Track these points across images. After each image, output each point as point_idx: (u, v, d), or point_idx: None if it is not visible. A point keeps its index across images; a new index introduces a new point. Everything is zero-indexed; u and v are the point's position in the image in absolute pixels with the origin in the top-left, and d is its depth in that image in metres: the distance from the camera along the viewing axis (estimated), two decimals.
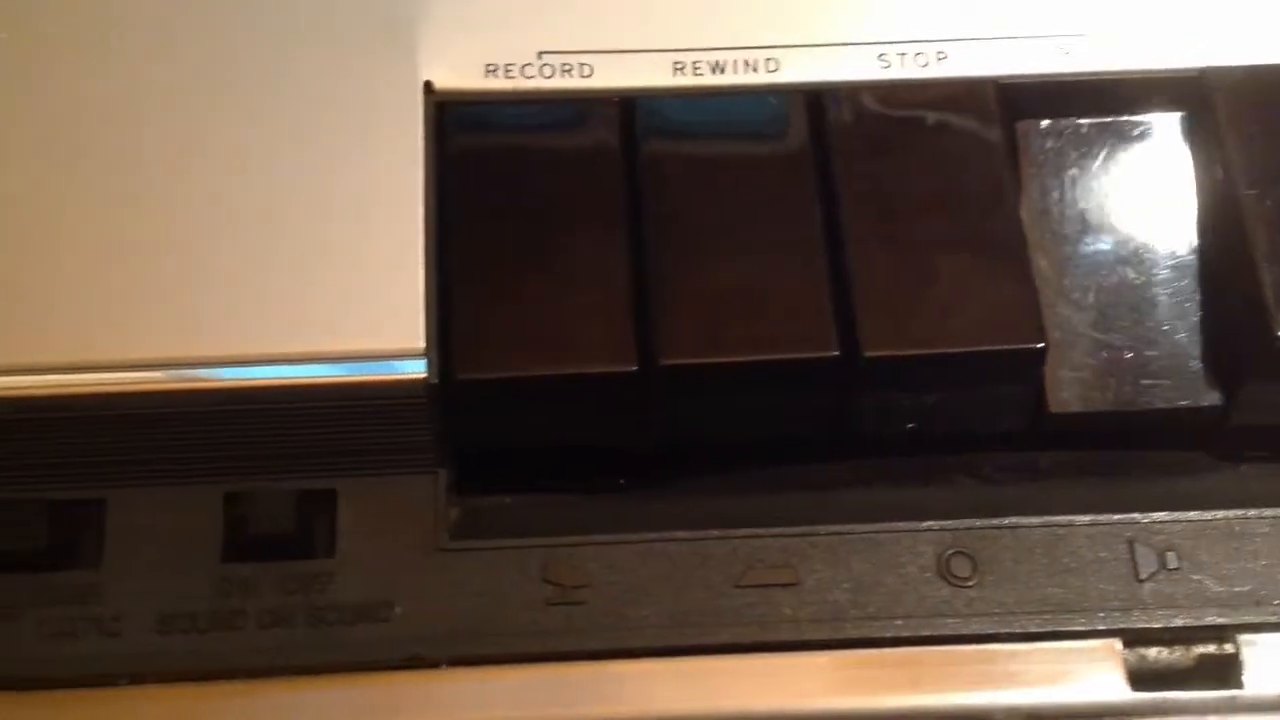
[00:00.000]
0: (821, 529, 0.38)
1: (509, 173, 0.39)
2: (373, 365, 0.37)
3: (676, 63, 0.41)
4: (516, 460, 0.39)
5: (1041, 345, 0.37)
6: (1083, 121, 0.41)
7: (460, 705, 0.36)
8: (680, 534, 0.38)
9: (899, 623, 0.37)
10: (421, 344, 0.37)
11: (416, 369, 0.37)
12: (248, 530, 0.37)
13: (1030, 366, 0.38)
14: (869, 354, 0.37)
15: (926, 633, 0.37)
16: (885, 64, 0.41)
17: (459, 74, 0.41)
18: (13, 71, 0.40)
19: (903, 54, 0.41)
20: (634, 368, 0.37)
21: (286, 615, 0.37)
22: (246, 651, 0.36)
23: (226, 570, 0.37)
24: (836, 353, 0.37)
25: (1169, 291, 0.40)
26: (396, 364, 0.37)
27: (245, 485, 0.38)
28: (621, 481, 0.40)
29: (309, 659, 0.36)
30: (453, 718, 0.36)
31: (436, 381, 0.37)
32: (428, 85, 0.40)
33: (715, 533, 0.38)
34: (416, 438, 0.38)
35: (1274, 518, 0.38)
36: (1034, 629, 0.37)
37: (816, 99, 0.40)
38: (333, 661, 0.36)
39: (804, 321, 0.37)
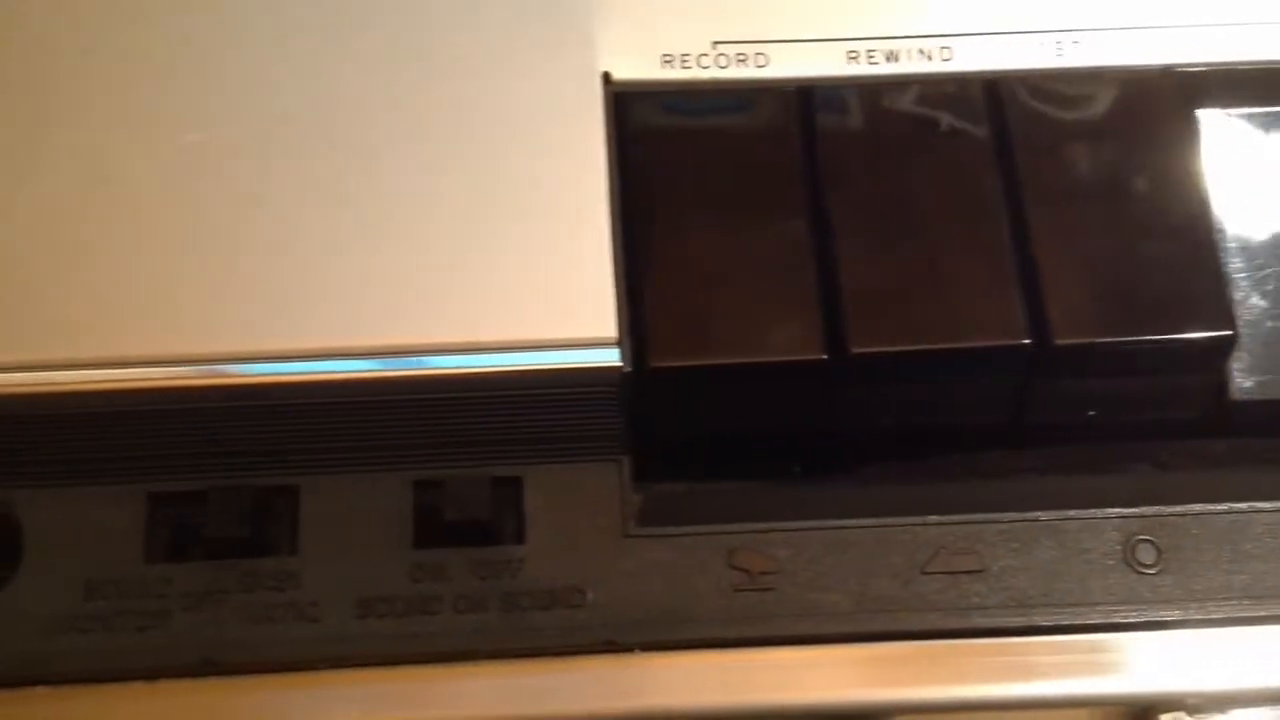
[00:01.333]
0: (1006, 516, 0.38)
1: (688, 162, 0.40)
2: (565, 354, 0.37)
3: (850, 52, 0.41)
4: (691, 447, 0.40)
5: (1230, 333, 0.37)
6: (1263, 110, 0.41)
7: (655, 690, 0.37)
8: (865, 521, 0.38)
9: (1085, 610, 0.38)
10: (614, 332, 0.37)
11: (610, 357, 0.37)
12: (443, 517, 0.37)
13: (1218, 355, 0.38)
14: (1060, 342, 0.37)
15: (1114, 620, 0.37)
16: (1060, 52, 0.41)
17: (636, 65, 0.41)
18: (184, 57, 0.40)
19: (1077, 42, 0.41)
20: (824, 356, 0.37)
21: (481, 600, 0.37)
22: (444, 636, 0.37)
23: (419, 556, 0.38)
24: (1028, 341, 0.37)
25: None
26: (589, 352, 0.37)
27: (434, 472, 0.38)
28: (796, 469, 0.41)
29: (504, 643, 0.37)
30: (648, 703, 0.36)
31: (630, 369, 0.37)
32: (606, 76, 0.41)
33: (901, 519, 0.38)
34: (603, 425, 0.38)
35: None
36: (1219, 615, 0.38)
37: (993, 87, 0.41)
38: (528, 646, 0.37)
39: (993, 310, 0.37)
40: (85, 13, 0.40)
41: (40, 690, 0.36)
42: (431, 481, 0.38)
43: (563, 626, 0.37)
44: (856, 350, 0.37)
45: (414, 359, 0.37)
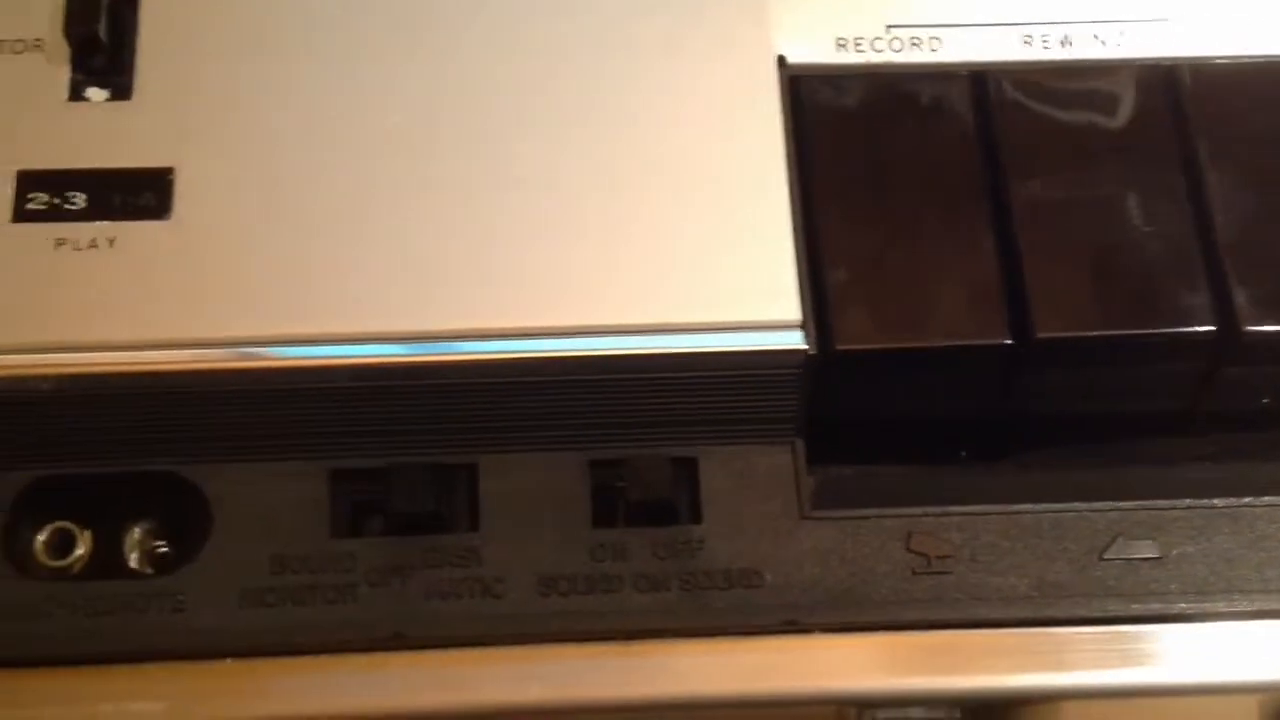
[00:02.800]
0: (1183, 503, 0.38)
1: (864, 146, 0.40)
2: (748, 336, 0.38)
3: (1025, 36, 0.41)
4: (858, 430, 0.40)
5: None
6: None
7: (835, 672, 0.37)
8: (1040, 506, 0.38)
9: (1262, 597, 0.37)
10: (798, 315, 0.38)
11: (793, 340, 0.37)
12: (626, 496, 0.38)
13: None
14: (1249, 328, 0.37)
15: None
16: (1240, 38, 0.41)
17: (810, 48, 0.41)
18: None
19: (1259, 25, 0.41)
20: (1008, 340, 0.37)
21: (661, 580, 0.38)
22: (625, 614, 0.37)
23: (598, 535, 0.38)
24: (1214, 328, 0.37)
25: None
26: (773, 335, 0.37)
27: (610, 452, 0.39)
28: (963, 453, 0.41)
29: (685, 623, 0.37)
30: (829, 683, 0.37)
31: (815, 352, 0.37)
32: (781, 59, 0.41)
33: (1077, 505, 0.38)
34: (780, 407, 0.38)
35: None
36: None
37: (1168, 74, 0.40)
38: (708, 626, 0.37)
39: (1180, 296, 0.37)
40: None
41: (230, 663, 0.36)
42: (608, 461, 0.39)
43: (743, 607, 0.37)
44: (1041, 335, 0.37)
45: (595, 340, 0.38)
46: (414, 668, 0.36)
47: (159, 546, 0.39)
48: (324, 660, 0.36)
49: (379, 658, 0.36)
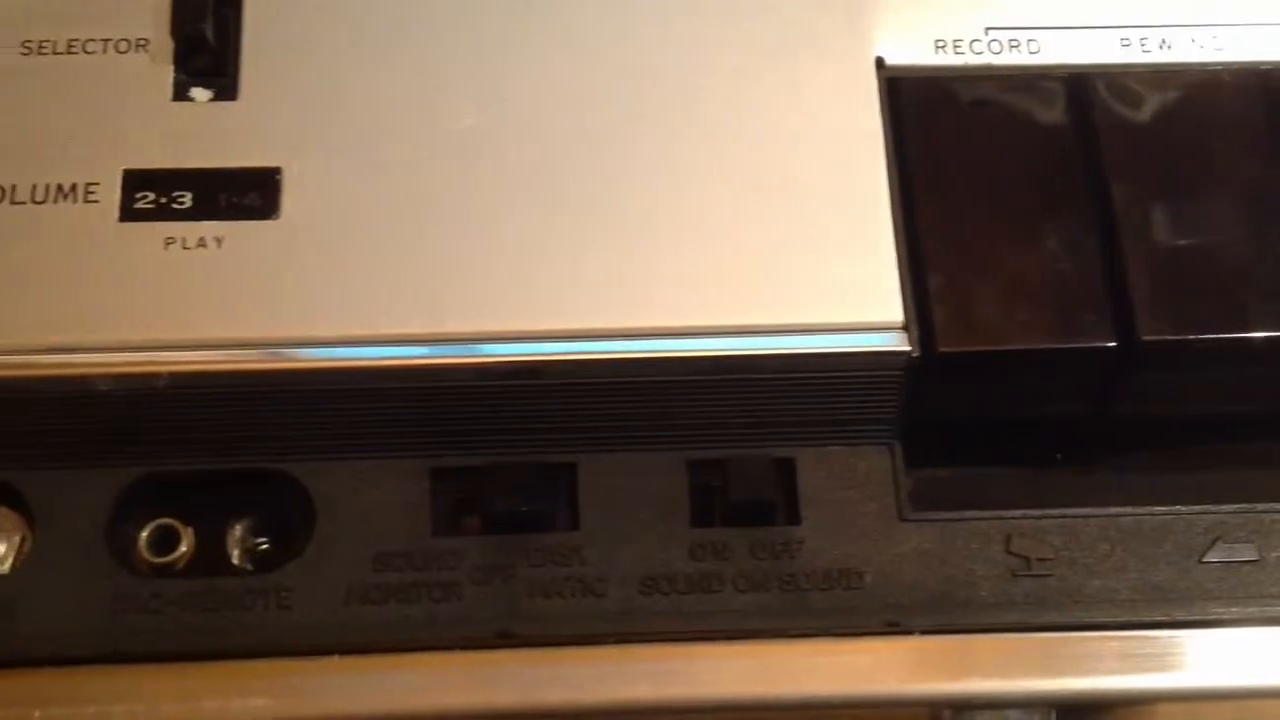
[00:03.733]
0: None
1: (964, 147, 0.40)
2: (851, 337, 0.38)
3: (1123, 39, 0.41)
4: (953, 432, 0.40)
5: None
6: None
7: (935, 673, 0.37)
8: (1139, 509, 0.38)
9: None
10: (901, 317, 0.38)
11: (897, 342, 0.38)
12: (727, 496, 0.38)
13: None
14: None
15: None
16: None
17: (909, 50, 0.41)
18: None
19: None
20: (1112, 343, 0.37)
21: (761, 580, 0.38)
22: (726, 614, 0.37)
23: (698, 535, 0.38)
24: None
25: None
26: (876, 336, 0.38)
27: (707, 452, 0.39)
28: (1058, 455, 0.41)
29: (786, 623, 0.37)
30: (929, 685, 0.37)
31: (918, 354, 0.37)
32: (879, 61, 0.41)
33: (1175, 508, 0.38)
34: (880, 409, 0.39)
35: None
36: None
37: (1264, 76, 0.40)
38: (809, 626, 0.37)
39: None
40: None
41: (336, 660, 0.37)
42: (706, 461, 0.39)
43: (843, 608, 0.38)
44: (1146, 338, 0.37)
45: (697, 341, 0.38)
46: (519, 665, 0.37)
47: (260, 543, 0.39)
48: (429, 657, 0.37)
49: (484, 655, 0.37)
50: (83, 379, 0.37)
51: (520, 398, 0.38)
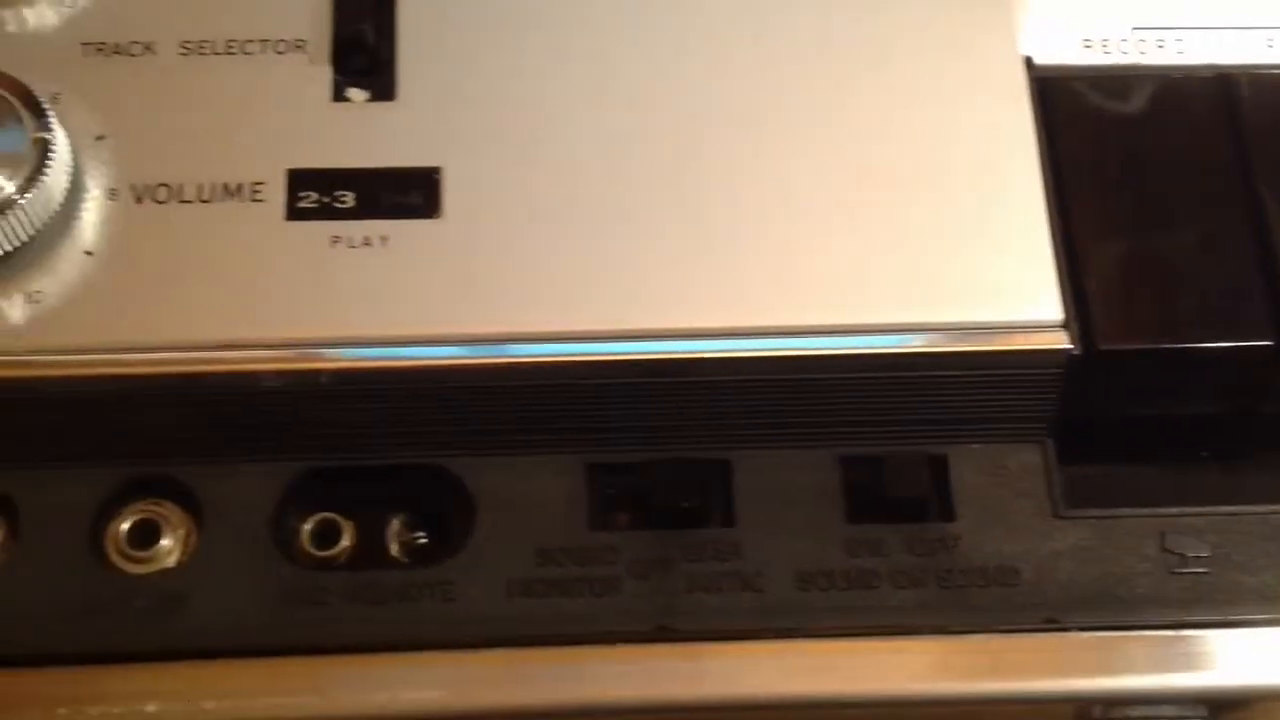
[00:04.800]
0: None
1: (1114, 147, 0.40)
2: (1011, 335, 0.38)
3: (1269, 40, 0.42)
4: (1100, 429, 0.40)
5: None
6: None
7: (1095, 668, 0.37)
8: None
9: None
10: (1060, 315, 0.38)
11: (1056, 340, 0.38)
12: (884, 492, 0.38)
13: None
14: None
15: None
16: None
17: (1057, 50, 0.41)
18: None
19: None
20: (1270, 342, 0.37)
21: (919, 576, 0.38)
22: (884, 610, 0.38)
23: (854, 531, 0.38)
24: None
25: None
26: (1035, 334, 0.38)
27: (861, 449, 0.39)
28: (1203, 453, 0.41)
29: (945, 619, 0.38)
30: (1087, 682, 0.37)
31: (1079, 352, 0.38)
32: (1028, 61, 0.41)
33: None
34: (1036, 407, 0.39)
35: None
36: None
37: None
38: (969, 623, 0.37)
39: None
40: None
41: (500, 652, 0.37)
42: (860, 458, 0.39)
43: (1001, 604, 0.38)
44: None
45: (854, 339, 0.38)
46: (679, 660, 0.37)
47: (418, 537, 0.40)
48: (590, 651, 0.37)
49: (644, 649, 0.37)
50: (251, 375, 0.37)
51: (674, 394, 0.39)
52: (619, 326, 0.38)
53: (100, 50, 0.40)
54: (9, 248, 0.37)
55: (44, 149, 0.37)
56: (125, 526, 0.38)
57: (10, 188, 0.36)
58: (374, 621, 0.37)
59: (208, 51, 0.40)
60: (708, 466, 0.39)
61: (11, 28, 0.40)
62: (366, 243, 0.38)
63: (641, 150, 0.40)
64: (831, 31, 0.41)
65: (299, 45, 0.41)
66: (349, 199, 0.39)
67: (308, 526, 0.39)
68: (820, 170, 0.40)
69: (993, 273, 0.38)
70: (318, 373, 0.37)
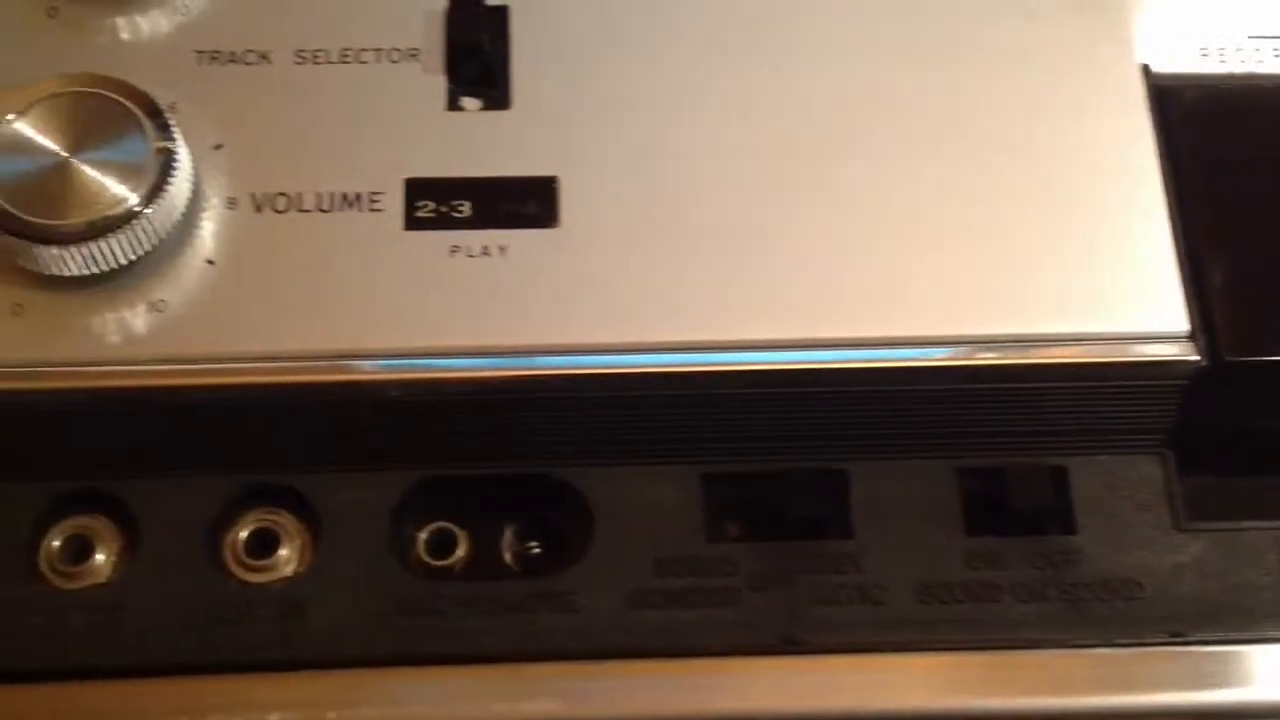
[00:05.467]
0: None
1: (1236, 155, 0.40)
2: (1135, 346, 0.38)
3: None
4: (1221, 440, 0.40)
5: None
6: None
7: (1220, 682, 0.37)
8: None
9: None
10: (1186, 326, 0.38)
11: (1182, 351, 0.38)
12: (1007, 505, 0.38)
13: None
14: None
15: None
16: None
17: (1174, 58, 0.41)
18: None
19: None
20: None
21: (1039, 590, 0.38)
22: (1005, 624, 0.37)
23: (973, 544, 0.38)
24: None
25: None
26: (1161, 346, 0.38)
27: (978, 460, 0.39)
28: None
29: (1069, 633, 0.37)
30: (1211, 694, 0.37)
31: (1206, 364, 0.37)
32: (1145, 69, 0.41)
33: None
34: (1158, 418, 0.38)
35: None
36: None
37: None
38: (1092, 637, 0.37)
39: None
40: None
41: (621, 663, 0.37)
42: (977, 469, 0.39)
43: (1124, 618, 0.37)
44: None
45: (974, 349, 0.38)
46: (804, 672, 0.37)
47: (531, 547, 0.40)
48: (714, 663, 0.37)
49: (767, 661, 0.37)
50: (373, 385, 0.37)
51: (789, 405, 0.39)
52: (735, 337, 0.38)
53: (215, 59, 0.40)
54: (133, 257, 0.37)
55: (167, 159, 0.37)
56: (244, 535, 0.38)
57: (134, 198, 0.37)
58: (493, 631, 0.37)
59: (322, 60, 0.40)
60: (825, 478, 0.39)
61: (126, 35, 0.40)
62: (485, 252, 0.38)
63: (758, 159, 0.40)
64: (950, 43, 0.41)
65: (413, 54, 0.41)
66: (466, 208, 0.39)
67: (423, 535, 0.39)
68: (940, 181, 0.39)
69: (1116, 283, 0.38)
70: (441, 382, 0.37)
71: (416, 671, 0.37)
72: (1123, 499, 0.39)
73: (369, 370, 0.37)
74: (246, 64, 0.40)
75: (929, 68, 0.41)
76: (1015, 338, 0.38)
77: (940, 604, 0.38)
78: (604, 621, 0.37)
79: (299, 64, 0.40)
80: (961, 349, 0.38)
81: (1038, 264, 0.38)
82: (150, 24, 0.41)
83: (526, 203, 0.39)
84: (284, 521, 0.38)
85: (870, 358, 0.38)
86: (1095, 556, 0.38)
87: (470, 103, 0.40)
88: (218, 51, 0.40)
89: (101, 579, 0.37)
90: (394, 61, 0.41)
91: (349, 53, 0.40)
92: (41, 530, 0.38)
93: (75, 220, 0.36)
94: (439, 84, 0.40)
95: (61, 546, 0.37)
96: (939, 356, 0.38)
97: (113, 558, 0.37)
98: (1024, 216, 0.39)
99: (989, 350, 0.38)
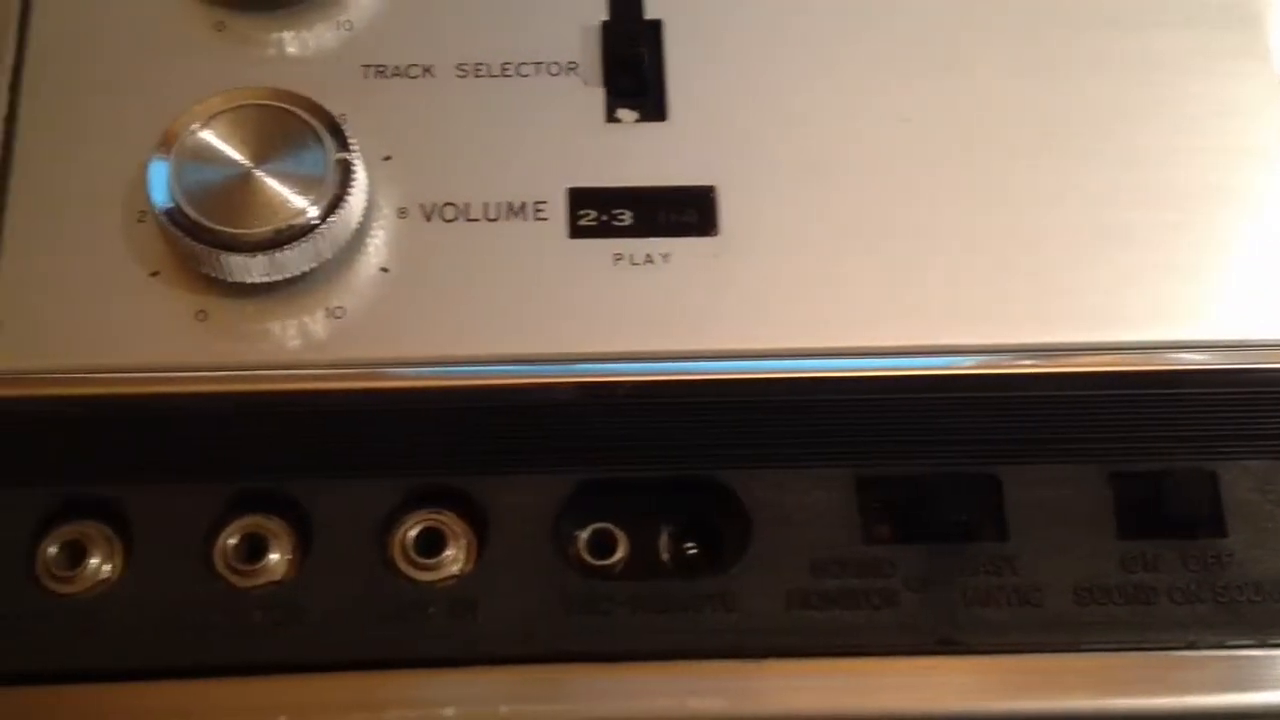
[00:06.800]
0: None
1: None
2: None
3: None
4: None
5: None
6: None
7: None
8: None
9: None
10: None
11: None
12: (1159, 509, 0.38)
13: None
14: None
15: None
16: None
17: None
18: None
19: None
20: None
21: (1195, 592, 0.38)
22: (1164, 626, 0.38)
23: (1126, 546, 0.39)
24: None
25: None
26: None
27: (1128, 465, 0.40)
28: None
29: (1223, 635, 0.38)
30: None
31: None
32: None
33: None
34: None
35: None
36: None
37: None
38: (1247, 639, 0.38)
39: None
40: None
41: (783, 662, 0.38)
42: (1129, 474, 0.40)
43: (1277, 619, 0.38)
44: None
45: (1129, 355, 0.39)
46: (963, 673, 0.37)
47: (689, 548, 0.41)
48: (874, 663, 0.38)
49: (928, 661, 0.38)
50: (543, 389, 0.38)
51: (942, 409, 0.40)
52: (895, 342, 0.39)
53: (380, 73, 0.41)
54: (313, 265, 0.38)
55: (345, 171, 0.38)
56: (412, 534, 0.39)
57: (315, 210, 0.38)
58: (658, 630, 0.38)
59: (484, 74, 0.42)
60: (978, 481, 0.40)
61: (292, 50, 0.42)
62: (649, 260, 0.39)
63: (913, 166, 0.41)
64: (1098, 54, 0.42)
65: (571, 67, 0.42)
66: (627, 217, 0.40)
67: (584, 536, 0.40)
68: (1093, 190, 0.40)
69: (1265, 289, 0.39)
70: (612, 386, 0.38)
71: (586, 668, 0.38)
72: (1272, 503, 0.39)
73: (537, 375, 0.38)
74: (410, 78, 0.41)
75: (1080, 79, 0.41)
76: (1170, 343, 0.39)
77: (1098, 606, 0.38)
78: (765, 621, 0.38)
79: (461, 77, 0.41)
80: (1113, 355, 0.39)
81: (1188, 271, 0.39)
82: (316, 39, 0.42)
83: (686, 211, 0.40)
84: (449, 522, 0.39)
85: (1019, 363, 0.39)
86: (1247, 559, 0.38)
87: (627, 114, 0.41)
88: (383, 65, 0.41)
89: (277, 577, 0.38)
90: (553, 74, 0.42)
91: (509, 66, 0.42)
92: (218, 529, 0.39)
93: (260, 229, 0.37)
94: (597, 96, 0.41)
95: (237, 545, 0.39)
96: (1088, 363, 0.39)
97: (287, 556, 0.39)
98: (1175, 225, 0.40)
99: (1142, 355, 0.39)
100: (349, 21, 0.42)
